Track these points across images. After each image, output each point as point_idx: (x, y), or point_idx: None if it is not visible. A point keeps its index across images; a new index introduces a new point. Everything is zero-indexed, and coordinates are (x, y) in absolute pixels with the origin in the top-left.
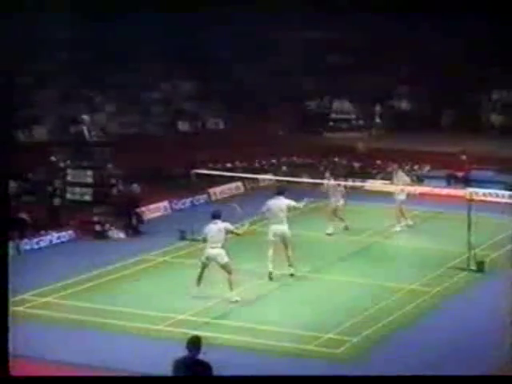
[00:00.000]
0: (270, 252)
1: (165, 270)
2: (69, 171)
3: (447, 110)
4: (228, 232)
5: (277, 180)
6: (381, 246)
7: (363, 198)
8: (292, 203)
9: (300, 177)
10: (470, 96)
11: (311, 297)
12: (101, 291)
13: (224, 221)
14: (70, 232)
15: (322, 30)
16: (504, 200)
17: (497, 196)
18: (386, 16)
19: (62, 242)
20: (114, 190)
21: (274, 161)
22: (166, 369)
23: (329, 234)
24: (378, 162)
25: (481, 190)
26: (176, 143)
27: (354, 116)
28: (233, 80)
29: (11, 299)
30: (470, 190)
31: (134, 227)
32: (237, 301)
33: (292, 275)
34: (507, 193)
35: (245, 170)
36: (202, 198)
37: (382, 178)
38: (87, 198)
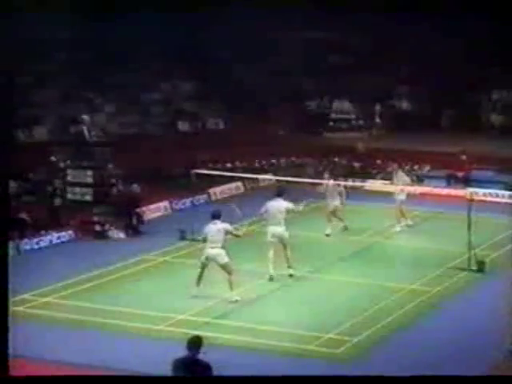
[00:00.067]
0: (271, 254)
1: (165, 270)
2: (69, 171)
3: (447, 110)
4: (227, 233)
5: (277, 180)
6: (381, 246)
7: (363, 198)
8: (290, 206)
9: (300, 177)
10: (470, 96)
11: (311, 297)
12: (101, 291)
13: (224, 221)
14: (70, 232)
15: (321, 29)
16: (504, 200)
17: (497, 196)
18: (386, 16)
19: (62, 242)
20: (114, 190)
21: (273, 161)
22: (165, 369)
23: (327, 235)
24: (378, 161)
25: (481, 190)
26: (176, 143)
27: (353, 116)
28: (233, 80)
29: (11, 299)
30: (470, 190)
31: (134, 227)
32: (237, 300)
33: (291, 276)
34: (507, 193)
35: (245, 170)
36: (202, 197)
37: (382, 178)
38: (87, 197)
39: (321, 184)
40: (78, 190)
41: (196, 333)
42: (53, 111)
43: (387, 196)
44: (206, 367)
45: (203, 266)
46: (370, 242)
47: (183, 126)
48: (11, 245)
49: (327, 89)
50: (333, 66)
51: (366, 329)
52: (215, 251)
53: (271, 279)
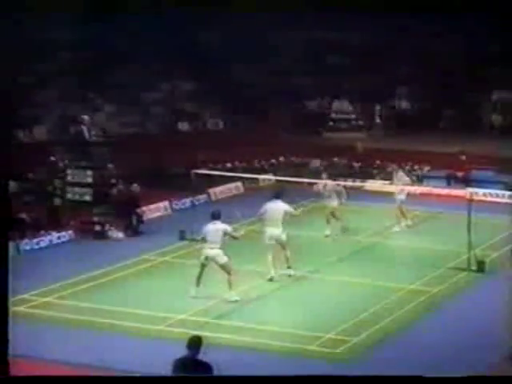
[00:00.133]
0: (270, 257)
1: (165, 270)
2: (69, 171)
3: (447, 110)
4: (226, 234)
5: (277, 180)
6: (381, 246)
7: (363, 197)
8: (289, 209)
9: (300, 177)
10: (469, 96)
11: (311, 297)
12: (101, 291)
13: (224, 221)
14: (70, 232)
15: (321, 29)
16: (504, 200)
17: (497, 196)
18: (385, 16)
19: (62, 242)
20: (114, 190)
21: (273, 161)
22: (165, 369)
23: (326, 236)
24: (378, 161)
25: (481, 190)
26: (176, 143)
27: (353, 116)
28: (233, 80)
29: (11, 299)
30: (470, 190)
31: (134, 227)
32: (236, 300)
33: (290, 276)
34: (507, 193)
35: (245, 170)
36: (202, 197)
37: (382, 178)
38: (87, 198)
39: (317, 184)
40: (77, 190)
41: (196, 333)
42: (53, 111)
43: (387, 196)
44: (206, 367)
45: (203, 267)
46: (369, 242)
47: (183, 126)
48: (11, 245)
49: (327, 89)
50: (333, 66)
51: (366, 329)
52: (214, 251)
53: (271, 280)
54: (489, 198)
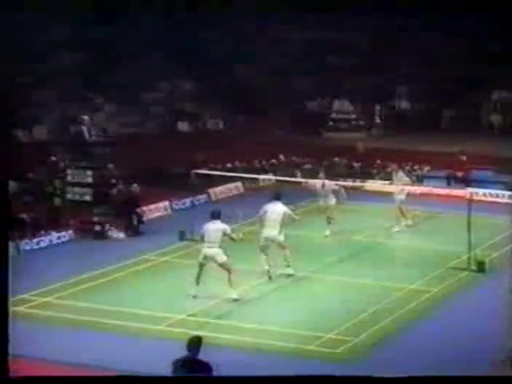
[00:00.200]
0: (263, 257)
1: (165, 270)
2: (69, 171)
3: (447, 110)
4: (225, 234)
5: (276, 180)
6: (381, 246)
7: (363, 198)
8: (288, 211)
9: (300, 177)
10: (469, 96)
11: (311, 297)
12: (101, 291)
13: (223, 221)
14: (70, 232)
15: (321, 29)
16: (504, 200)
17: (497, 196)
18: (386, 16)
19: (62, 242)
20: (114, 190)
21: (273, 161)
22: (165, 369)
23: (326, 236)
24: (378, 161)
25: (481, 190)
26: (176, 143)
27: (353, 116)
28: (233, 80)
29: (11, 299)
30: (470, 190)
31: (134, 227)
32: (237, 299)
33: (290, 275)
34: (507, 193)
35: (245, 170)
36: (202, 197)
37: (382, 178)
38: (87, 198)
39: (313, 183)
40: (77, 189)
41: (196, 333)
42: (53, 111)
43: (387, 196)
44: (206, 367)
45: (201, 266)
46: (369, 242)
47: (183, 126)
48: (11, 245)
49: (327, 89)
50: (333, 66)
51: (365, 329)
52: (213, 251)
53: (267, 273)
54: (489, 198)
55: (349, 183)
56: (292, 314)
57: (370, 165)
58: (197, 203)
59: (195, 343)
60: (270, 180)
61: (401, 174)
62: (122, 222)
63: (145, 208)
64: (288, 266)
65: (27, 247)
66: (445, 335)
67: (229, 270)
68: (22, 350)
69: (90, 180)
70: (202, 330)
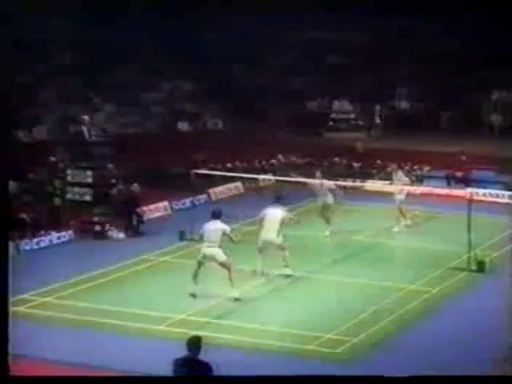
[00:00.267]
0: (259, 256)
1: (165, 270)
2: (69, 171)
3: (447, 110)
4: (225, 234)
5: (276, 180)
6: (381, 246)
7: (363, 198)
8: (288, 215)
9: (300, 177)
10: (469, 96)
11: (311, 297)
12: (101, 291)
13: (223, 221)
14: (70, 232)
15: (321, 29)
16: (504, 200)
17: (497, 196)
18: (386, 16)
19: (62, 242)
20: (114, 190)
21: (273, 161)
22: (166, 369)
23: (326, 236)
24: (378, 161)
25: (481, 190)
26: (176, 143)
27: (353, 116)
28: (233, 80)
29: (11, 299)
30: (470, 190)
31: (134, 227)
32: (238, 299)
33: (288, 276)
34: (507, 193)
35: (245, 170)
36: (202, 197)
37: (382, 178)
38: (87, 198)
39: (312, 183)
40: (77, 190)
41: (196, 333)
42: (53, 111)
43: (387, 196)
44: (206, 367)
45: (199, 264)
46: (369, 242)
47: (183, 125)
48: (11, 245)
49: (327, 89)
50: (333, 65)
51: (365, 329)
52: (212, 250)
53: (262, 273)
54: (489, 198)
55: (349, 183)
56: (292, 314)
57: (369, 165)
58: (197, 203)
59: (195, 343)
60: (269, 180)
61: (400, 173)
62: (122, 222)
63: (145, 208)
64: (286, 267)
65: (27, 247)
66: (445, 335)
67: (229, 269)
68: (22, 350)
69: (90, 180)
70: (203, 330)
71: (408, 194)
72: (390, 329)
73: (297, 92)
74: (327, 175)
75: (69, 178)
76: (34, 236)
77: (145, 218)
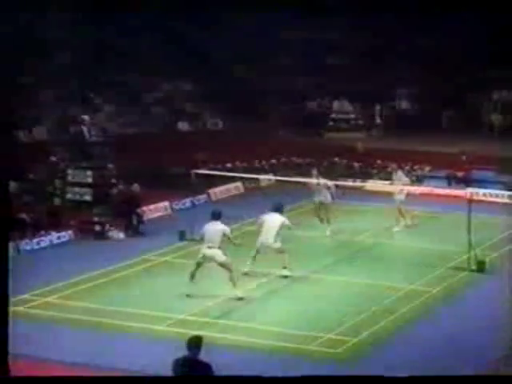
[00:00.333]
0: (253, 253)
1: (165, 270)
2: (69, 171)
3: (447, 110)
4: (225, 235)
5: (276, 180)
6: (381, 246)
7: (363, 198)
8: (286, 222)
9: (299, 177)
10: (470, 96)
11: (311, 297)
12: (101, 291)
13: (224, 221)
14: (70, 232)
15: (321, 29)
16: (504, 200)
17: (497, 196)
18: (385, 16)
19: (62, 242)
20: (114, 190)
21: (273, 161)
22: (166, 369)
23: (326, 237)
24: (378, 162)
25: (481, 190)
26: (176, 143)
27: (353, 116)
28: (233, 80)
29: (11, 299)
30: (470, 190)
31: (134, 227)
32: (241, 298)
33: (286, 277)
34: (507, 193)
35: (245, 170)
36: (202, 198)
37: (382, 178)
38: (87, 198)
39: (311, 182)
40: (77, 189)
41: (196, 333)
42: (53, 111)
43: (387, 196)
44: (206, 367)
45: (198, 264)
46: (369, 242)
47: (183, 125)
48: (11, 245)
49: (327, 89)
50: (333, 66)
51: (365, 329)
52: (212, 251)
53: (246, 274)
54: (489, 198)
55: (349, 183)
56: (292, 313)
57: (369, 165)
58: (197, 203)
59: (195, 343)
60: (269, 180)
61: (400, 173)
62: (122, 222)
63: (145, 208)
64: (284, 268)
65: (27, 247)
66: (444, 335)
67: (230, 269)
68: (22, 350)
69: (89, 180)
70: (203, 330)
71: (408, 194)
72: (390, 329)
73: (297, 92)
74: (327, 175)
75: (69, 178)
76: (34, 236)
77: (145, 218)
